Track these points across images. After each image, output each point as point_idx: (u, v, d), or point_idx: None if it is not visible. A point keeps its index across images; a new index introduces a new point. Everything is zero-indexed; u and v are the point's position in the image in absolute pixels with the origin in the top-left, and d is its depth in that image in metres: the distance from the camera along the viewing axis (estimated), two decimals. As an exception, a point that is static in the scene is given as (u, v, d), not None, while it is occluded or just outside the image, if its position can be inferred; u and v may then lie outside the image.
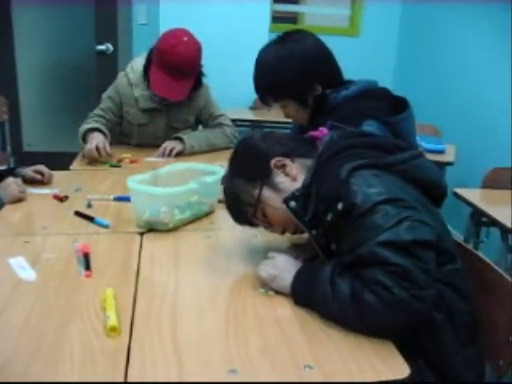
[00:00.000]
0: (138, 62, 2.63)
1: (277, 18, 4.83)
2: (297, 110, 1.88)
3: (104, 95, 2.70)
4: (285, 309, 1.27)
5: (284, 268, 1.33)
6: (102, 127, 2.56)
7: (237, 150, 1.46)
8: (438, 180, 1.36)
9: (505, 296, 1.31)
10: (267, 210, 1.38)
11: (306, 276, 1.28)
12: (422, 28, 4.55)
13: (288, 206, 1.31)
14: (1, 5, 4.30)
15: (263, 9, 4.14)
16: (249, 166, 1.41)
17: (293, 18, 5.61)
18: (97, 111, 2.67)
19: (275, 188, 1.36)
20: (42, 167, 2.15)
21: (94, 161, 2.43)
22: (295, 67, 1.79)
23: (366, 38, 4.88)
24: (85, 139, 2.52)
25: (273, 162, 1.36)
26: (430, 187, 1.33)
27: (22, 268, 1.41)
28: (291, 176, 1.36)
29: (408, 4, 4.80)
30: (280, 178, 1.37)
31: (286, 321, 1.22)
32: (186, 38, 2.44)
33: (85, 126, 2.56)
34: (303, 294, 1.27)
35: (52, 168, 2.19)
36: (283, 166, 1.37)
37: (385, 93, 1.85)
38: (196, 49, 2.50)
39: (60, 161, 2.42)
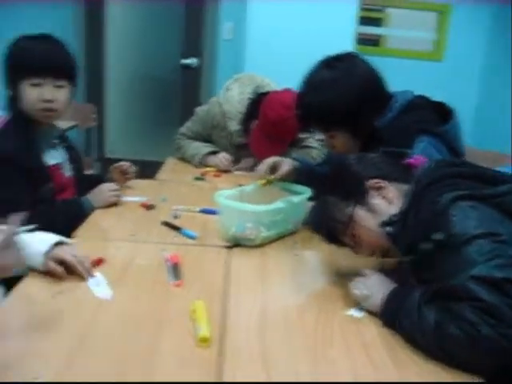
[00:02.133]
0: (234, 92, 2.64)
1: (359, 40, 4.82)
2: (346, 141, 1.76)
3: (196, 118, 2.76)
4: (372, 333, 1.25)
5: (377, 288, 1.32)
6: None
7: (333, 169, 1.46)
8: None
9: None
10: (359, 230, 1.38)
11: (396, 299, 1.26)
12: (508, 53, 4.43)
13: (385, 230, 1.30)
14: (96, 18, 4.49)
15: (348, 30, 4.13)
16: (344, 185, 1.41)
17: (375, 40, 5.58)
18: (187, 131, 2.76)
19: (370, 209, 1.36)
20: (124, 164, 2.22)
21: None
22: (351, 91, 1.67)
23: (449, 63, 4.79)
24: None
25: (370, 182, 1.36)
26: None
27: (97, 285, 1.39)
28: (388, 199, 1.35)
29: (495, 30, 4.69)
30: (376, 200, 1.36)
31: (373, 345, 1.20)
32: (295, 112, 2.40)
33: (203, 149, 2.68)
34: (391, 316, 1.25)
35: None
36: (380, 188, 1.36)
37: (426, 102, 1.76)
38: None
39: (141, 168, 2.49)
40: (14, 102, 1.85)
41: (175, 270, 1.48)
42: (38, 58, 1.80)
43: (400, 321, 1.22)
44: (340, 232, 1.41)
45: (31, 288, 1.36)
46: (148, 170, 2.55)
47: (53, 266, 1.39)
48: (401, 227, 1.29)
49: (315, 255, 1.70)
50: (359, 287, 1.33)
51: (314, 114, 1.74)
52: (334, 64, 1.72)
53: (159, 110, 4.73)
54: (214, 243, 1.73)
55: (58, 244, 1.45)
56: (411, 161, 1.42)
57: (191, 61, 4.50)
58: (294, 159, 2.04)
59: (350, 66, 1.71)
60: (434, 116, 1.72)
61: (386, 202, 1.35)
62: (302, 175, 1.97)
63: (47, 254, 1.40)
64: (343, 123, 1.71)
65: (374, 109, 1.69)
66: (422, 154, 1.57)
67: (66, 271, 1.40)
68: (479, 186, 1.28)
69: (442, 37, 4.85)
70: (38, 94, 1.80)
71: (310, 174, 1.98)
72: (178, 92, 4.62)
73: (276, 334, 1.22)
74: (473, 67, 4.81)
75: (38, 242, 1.42)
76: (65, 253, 1.42)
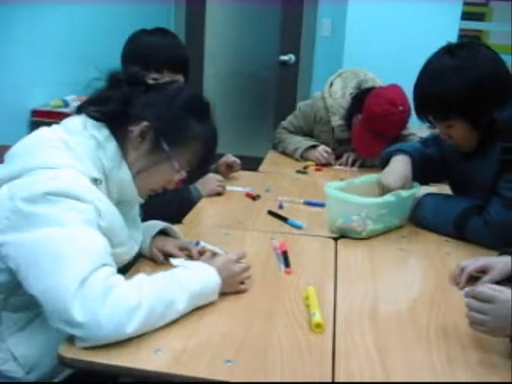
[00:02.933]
0: (337, 87, 2.64)
1: (460, 36, 4.68)
2: (464, 132, 1.68)
3: (298, 112, 2.79)
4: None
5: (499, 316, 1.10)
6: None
7: None
8: None
9: None
10: None
11: None
12: None
13: None
14: (197, 17, 4.62)
15: (452, 26, 4.03)
16: None
17: (476, 37, 5.39)
18: (288, 125, 2.80)
19: None
20: (229, 156, 2.29)
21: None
22: (473, 80, 1.60)
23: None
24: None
25: None
26: None
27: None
28: None
29: None
30: None
31: (491, 346, 1.16)
32: (401, 108, 2.37)
33: (304, 143, 2.69)
34: None
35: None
36: None
37: None
38: (407, 116, 2.44)
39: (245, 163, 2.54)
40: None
41: (285, 257, 1.51)
42: (161, 52, 1.87)
43: None
44: None
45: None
46: (244, 164, 2.60)
47: (156, 253, 1.47)
48: None
49: (421, 250, 1.68)
50: (476, 317, 1.13)
51: (433, 103, 1.68)
52: (456, 51, 1.66)
53: (256, 106, 4.79)
54: (321, 233, 1.74)
55: (163, 232, 1.54)
56: None
57: (288, 57, 4.53)
58: (402, 151, 1.93)
59: (472, 55, 1.65)
60: None
61: None
62: (417, 169, 1.89)
63: (153, 239, 1.49)
64: (462, 113, 1.64)
65: (496, 100, 1.62)
66: None
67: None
68: None
69: (551, 32, 4.63)
70: None
71: (425, 165, 1.91)
72: (274, 88, 4.66)
73: (389, 324, 1.23)
74: None
75: (146, 228, 1.51)
76: (165, 244, 1.49)
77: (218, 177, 2.10)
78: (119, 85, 1.29)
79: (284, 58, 4.54)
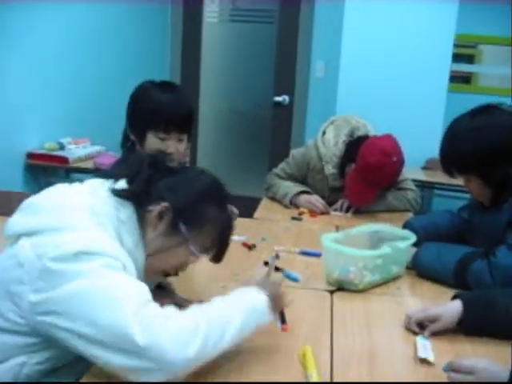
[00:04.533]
0: (329, 136, 2.66)
1: (450, 78, 4.76)
2: (479, 187, 1.81)
3: (291, 160, 2.80)
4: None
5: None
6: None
7: None
8: None
9: None
10: None
11: None
12: None
13: None
14: (191, 56, 4.69)
15: (443, 68, 4.10)
16: None
17: (466, 78, 5.48)
18: (280, 172, 2.80)
19: None
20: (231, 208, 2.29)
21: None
22: (487, 142, 1.73)
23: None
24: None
25: None
26: None
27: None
28: None
29: None
30: None
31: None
32: (395, 158, 2.42)
33: (294, 189, 2.70)
34: None
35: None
36: None
37: None
38: (400, 166, 2.52)
39: (230, 203, 2.53)
40: (133, 145, 1.94)
41: (281, 313, 1.51)
42: (172, 114, 1.86)
43: None
44: None
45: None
46: (238, 204, 2.60)
47: None
48: None
49: (417, 303, 1.68)
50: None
51: (451, 161, 1.83)
52: (477, 114, 1.80)
53: (250, 146, 4.85)
54: (317, 286, 1.75)
55: (159, 286, 1.54)
56: None
57: (283, 98, 4.60)
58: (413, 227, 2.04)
59: (490, 118, 1.78)
60: None
61: None
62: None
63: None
64: (476, 171, 1.78)
65: (510, 161, 1.73)
66: None
67: None
68: None
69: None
70: (163, 147, 1.86)
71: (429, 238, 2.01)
72: (269, 128, 4.73)
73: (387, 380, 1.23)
74: None
75: None
76: (162, 299, 1.46)
77: None
78: (141, 165, 1.32)
79: (278, 98, 4.61)
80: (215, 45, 4.82)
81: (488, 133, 1.74)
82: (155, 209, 1.27)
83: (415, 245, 1.87)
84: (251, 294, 1.28)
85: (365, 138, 2.53)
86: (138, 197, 1.28)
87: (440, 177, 3.89)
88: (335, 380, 1.22)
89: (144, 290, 1.16)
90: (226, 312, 1.20)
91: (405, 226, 2.09)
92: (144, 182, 1.30)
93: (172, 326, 1.08)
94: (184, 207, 1.29)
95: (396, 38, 4.00)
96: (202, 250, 1.36)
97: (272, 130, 4.71)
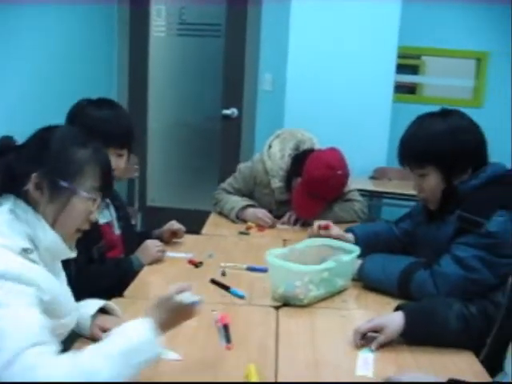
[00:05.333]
0: (275, 149, 2.66)
1: (396, 88, 4.85)
2: (436, 185, 1.83)
3: (238, 175, 2.80)
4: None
5: None
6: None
7: None
8: None
9: None
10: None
11: None
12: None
13: None
14: (139, 69, 4.66)
15: (387, 79, 4.17)
16: None
17: (411, 88, 5.60)
18: (227, 187, 2.79)
19: None
20: (174, 223, 2.27)
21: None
22: (463, 142, 1.79)
23: (489, 109, 4.78)
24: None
25: None
26: None
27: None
28: None
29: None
30: None
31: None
32: (339, 172, 2.45)
33: (240, 203, 2.69)
34: None
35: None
36: None
37: None
38: (345, 179, 2.56)
39: (179, 216, 2.51)
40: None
41: (226, 331, 1.50)
42: (109, 130, 1.84)
43: None
44: None
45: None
46: (188, 218, 2.59)
47: (96, 332, 1.45)
48: None
49: (362, 315, 1.69)
50: None
51: (417, 148, 1.84)
52: (443, 113, 1.88)
53: (199, 159, 4.82)
54: (262, 303, 1.74)
55: (103, 309, 1.52)
56: None
57: (231, 111, 4.60)
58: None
59: (460, 116, 1.86)
60: None
61: None
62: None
63: (93, 318, 1.47)
64: (441, 164, 1.80)
65: (470, 164, 1.81)
66: (498, 228, 1.66)
67: None
68: None
69: (481, 83, 4.86)
70: None
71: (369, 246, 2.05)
72: (218, 142, 4.71)
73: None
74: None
75: (84, 307, 1.49)
76: (106, 322, 1.47)
77: (156, 242, 2.07)
78: None
79: (227, 111, 4.60)
80: (163, 58, 4.78)
81: (467, 133, 1.81)
82: (29, 185, 1.27)
83: (360, 256, 1.88)
84: (134, 332, 1.18)
85: (310, 151, 2.55)
86: (7, 186, 1.29)
87: (388, 186, 3.96)
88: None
89: (35, 329, 1.12)
90: (95, 361, 1.12)
91: (346, 231, 2.16)
92: (3, 172, 1.29)
93: (42, 377, 1.05)
94: (53, 167, 1.29)
95: (341, 50, 4.04)
96: (93, 191, 1.35)
97: (221, 143, 4.70)
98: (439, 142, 1.80)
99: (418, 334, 1.49)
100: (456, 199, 1.79)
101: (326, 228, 2.21)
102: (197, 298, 1.29)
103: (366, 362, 1.40)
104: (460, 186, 1.81)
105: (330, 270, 1.74)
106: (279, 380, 1.30)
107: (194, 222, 2.61)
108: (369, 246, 2.01)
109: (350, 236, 2.18)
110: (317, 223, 2.25)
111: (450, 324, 1.51)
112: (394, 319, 1.49)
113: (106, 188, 1.39)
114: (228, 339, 1.46)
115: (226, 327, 1.51)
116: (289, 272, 1.70)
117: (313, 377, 1.32)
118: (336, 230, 2.22)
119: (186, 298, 1.27)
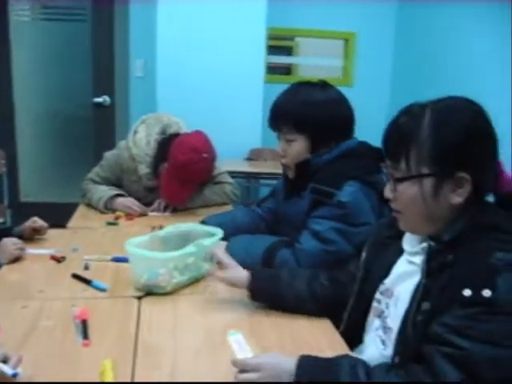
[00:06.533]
0: (141, 135, 2.61)
1: (270, 69, 4.93)
2: (301, 152, 1.88)
3: (104, 163, 2.71)
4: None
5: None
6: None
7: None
8: None
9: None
10: (400, 190, 1.25)
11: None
12: (414, 77, 4.64)
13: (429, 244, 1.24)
14: (1, 57, 4.40)
15: (258, 60, 4.21)
16: (444, 147, 1.18)
17: (286, 69, 5.70)
18: (94, 176, 2.71)
19: (433, 192, 1.20)
20: (36, 220, 2.16)
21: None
22: (338, 114, 1.86)
23: (359, 88, 4.97)
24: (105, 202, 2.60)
25: (464, 174, 1.17)
26: None
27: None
28: (454, 200, 1.19)
29: (400, 53, 4.91)
30: (446, 190, 1.19)
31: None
32: (205, 155, 2.42)
33: (108, 193, 2.61)
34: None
35: (48, 219, 2.19)
36: (461, 184, 1.18)
37: (371, 151, 1.86)
38: (213, 163, 2.55)
39: (56, 211, 2.43)
40: None
41: (84, 327, 1.45)
42: None
43: None
44: (391, 173, 1.27)
45: None
46: (62, 212, 2.48)
47: None
48: (438, 253, 1.21)
49: (226, 298, 1.69)
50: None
51: (292, 110, 1.86)
52: (322, 84, 1.92)
53: (73, 150, 4.64)
54: (125, 294, 1.70)
55: None
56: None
57: (103, 99, 4.47)
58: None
59: (336, 90, 1.92)
60: (371, 164, 1.82)
61: (450, 201, 1.19)
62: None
63: None
64: (312, 132, 1.85)
65: (336, 137, 1.87)
66: (349, 198, 1.72)
67: None
68: None
69: (350, 63, 5.03)
70: None
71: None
72: (91, 131, 4.56)
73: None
74: (382, 91, 5.00)
75: None
76: None
77: (13, 240, 1.96)
78: None
79: (98, 99, 4.46)
80: (28, 44, 4.53)
81: (342, 104, 1.89)
82: None
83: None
84: None
85: (176, 135, 2.51)
86: None
87: (264, 166, 4.02)
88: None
89: None
90: None
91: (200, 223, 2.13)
92: None
93: None
94: None
95: (210, 33, 4.03)
96: None
97: (95, 132, 4.55)
98: (317, 111, 1.84)
99: (263, 292, 1.58)
100: (309, 172, 1.85)
101: None
102: (13, 371, 1.16)
103: (240, 344, 1.40)
104: (313, 159, 1.86)
105: (192, 255, 1.73)
106: (137, 373, 1.27)
107: (70, 216, 2.52)
108: (227, 232, 2.01)
109: None
110: (156, 202, 2.19)
111: (296, 288, 1.57)
112: (242, 272, 1.60)
113: None
114: (85, 335, 1.42)
115: (84, 323, 1.47)
116: (150, 260, 1.67)
117: (172, 361, 1.31)
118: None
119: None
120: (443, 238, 1.20)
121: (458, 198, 1.18)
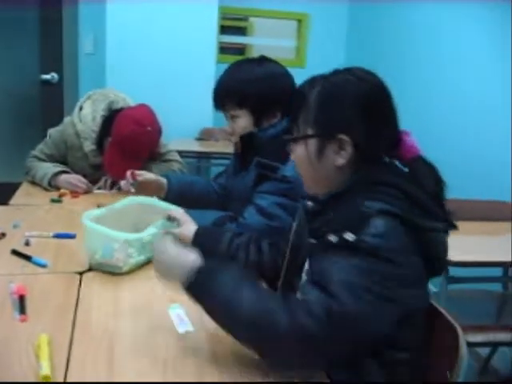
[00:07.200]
0: (86, 111, 2.55)
1: (224, 49, 4.89)
2: (246, 127, 1.91)
3: (49, 140, 2.65)
4: (223, 345, 1.26)
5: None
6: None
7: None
8: (444, 259, 1.28)
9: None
10: (293, 151, 1.34)
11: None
12: (367, 58, 4.68)
13: (304, 204, 1.36)
14: None
15: (210, 40, 4.17)
16: (325, 110, 1.26)
17: (240, 49, 5.67)
18: (39, 154, 2.64)
19: (318, 152, 1.27)
20: None
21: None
22: (278, 87, 1.87)
23: (312, 69, 4.96)
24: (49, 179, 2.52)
25: (344, 136, 1.23)
26: (432, 262, 1.24)
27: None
28: (338, 162, 1.25)
29: (353, 34, 4.94)
30: (329, 152, 1.26)
31: (224, 360, 1.22)
32: (149, 128, 2.37)
33: (52, 169, 2.52)
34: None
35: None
36: (343, 147, 1.24)
37: None
38: (158, 137, 2.50)
39: (1, 190, 2.35)
40: None
41: (21, 302, 1.41)
42: None
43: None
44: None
45: None
46: (8, 191, 2.41)
47: None
48: (319, 210, 1.31)
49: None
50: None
51: (232, 87, 1.89)
52: (261, 59, 1.97)
53: (19, 129, 4.51)
54: (67, 270, 1.66)
55: None
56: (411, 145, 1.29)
57: (51, 76, 4.34)
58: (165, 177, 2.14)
59: (276, 64, 1.96)
60: None
61: (334, 163, 1.25)
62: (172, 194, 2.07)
63: None
64: (252, 104, 1.87)
65: (279, 111, 1.89)
66: (293, 172, 1.71)
67: None
68: (418, 213, 1.19)
69: (303, 44, 5.03)
70: None
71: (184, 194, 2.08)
72: (38, 109, 4.43)
73: (124, 361, 1.20)
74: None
75: None
76: None
77: None
78: None
79: (46, 76, 4.34)
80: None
81: (282, 79, 1.91)
82: None
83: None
84: None
85: (119, 110, 2.46)
86: None
87: (215, 146, 4.00)
88: (70, 370, 1.16)
89: None
90: None
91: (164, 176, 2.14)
92: None
93: None
94: None
95: (161, 12, 3.99)
96: None
97: (42, 110, 4.43)
98: (255, 85, 1.87)
99: (205, 247, 1.49)
100: (254, 147, 1.87)
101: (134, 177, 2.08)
102: None
103: (181, 319, 1.39)
104: (259, 133, 1.88)
105: (152, 236, 1.66)
106: (74, 348, 1.24)
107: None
108: (182, 193, 2.03)
109: (164, 180, 2.12)
110: (129, 172, 2.14)
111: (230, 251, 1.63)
112: (188, 229, 1.69)
113: None
114: (23, 310, 1.39)
115: (21, 298, 1.43)
116: (106, 238, 1.61)
117: (109, 338, 1.29)
118: (150, 174, 2.13)
119: None
120: (319, 197, 1.31)
121: (340, 160, 1.25)
